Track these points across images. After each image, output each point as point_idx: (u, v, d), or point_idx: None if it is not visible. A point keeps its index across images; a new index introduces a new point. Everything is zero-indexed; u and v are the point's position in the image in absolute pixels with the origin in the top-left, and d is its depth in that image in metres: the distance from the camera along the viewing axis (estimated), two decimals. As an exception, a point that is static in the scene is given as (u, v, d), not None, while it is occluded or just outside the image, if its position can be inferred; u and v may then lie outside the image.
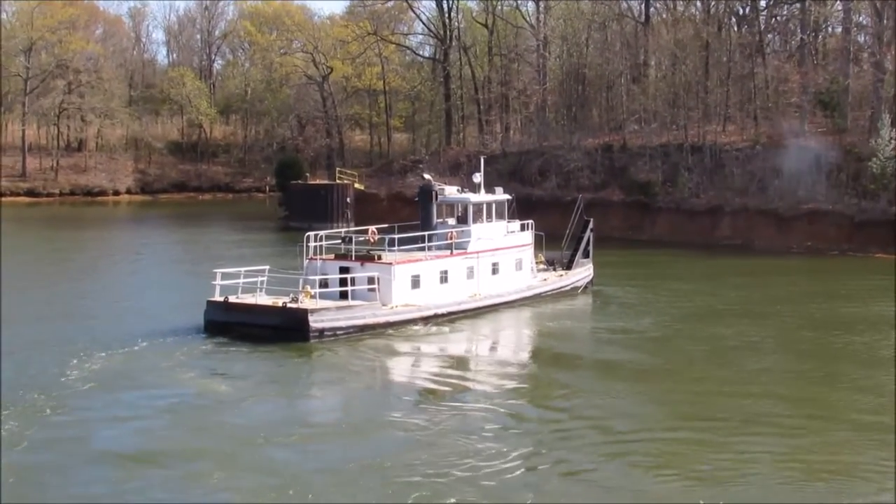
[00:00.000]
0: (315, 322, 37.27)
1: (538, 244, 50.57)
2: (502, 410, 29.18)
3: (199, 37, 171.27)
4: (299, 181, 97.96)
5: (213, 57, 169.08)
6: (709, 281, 57.36)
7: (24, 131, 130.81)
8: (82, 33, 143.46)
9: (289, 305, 37.89)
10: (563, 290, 49.90)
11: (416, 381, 33.72)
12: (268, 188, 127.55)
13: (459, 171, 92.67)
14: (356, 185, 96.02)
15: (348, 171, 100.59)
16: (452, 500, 21.77)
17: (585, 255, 52.41)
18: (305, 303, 38.11)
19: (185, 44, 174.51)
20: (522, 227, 48.67)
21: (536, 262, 50.96)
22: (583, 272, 51.78)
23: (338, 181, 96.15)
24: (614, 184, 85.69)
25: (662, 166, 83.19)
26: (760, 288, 54.41)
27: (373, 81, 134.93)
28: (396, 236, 43.04)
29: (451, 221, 46.24)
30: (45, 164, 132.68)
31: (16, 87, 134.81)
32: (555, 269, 51.28)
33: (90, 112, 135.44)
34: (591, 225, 52.95)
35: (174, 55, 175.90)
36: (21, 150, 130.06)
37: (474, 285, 44.67)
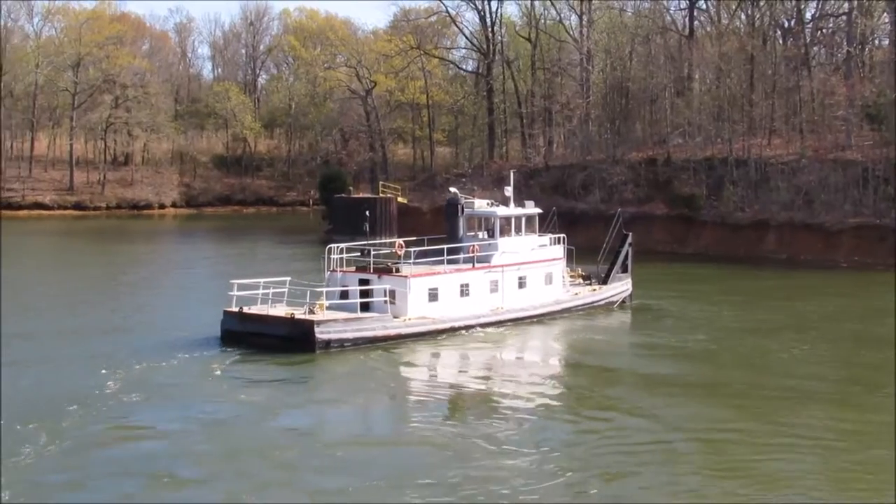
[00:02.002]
0: (321, 333, 37.41)
1: (570, 258, 49.84)
2: (511, 423, 28.91)
3: (243, 51, 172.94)
4: (343, 195, 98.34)
5: (257, 71, 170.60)
6: (753, 295, 56.43)
7: (71, 145, 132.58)
8: (129, 48, 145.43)
9: (297, 316, 38.07)
10: (596, 304, 49.11)
11: (421, 394, 33.28)
12: (311, 202, 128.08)
13: (502, 185, 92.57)
14: (399, 199, 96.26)
15: (391, 185, 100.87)
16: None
17: (624, 269, 51.52)
18: (320, 314, 38.36)
19: (229, 59, 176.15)
20: (555, 241, 48.09)
21: (573, 277, 50.48)
22: (620, 287, 50.85)
23: (381, 195, 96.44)
24: (658, 197, 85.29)
25: (707, 180, 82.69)
26: (806, 303, 53.69)
27: (416, 95, 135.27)
28: (415, 249, 43.11)
29: (483, 235, 45.99)
30: (91, 177, 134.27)
31: (64, 102, 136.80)
32: (591, 284, 50.62)
33: (136, 126, 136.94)
34: (629, 239, 51.99)
35: (219, 70, 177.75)
36: (69, 164, 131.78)
37: (498, 299, 44.21)
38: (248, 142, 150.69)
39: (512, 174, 51.43)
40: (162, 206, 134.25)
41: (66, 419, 28.00)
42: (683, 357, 38.85)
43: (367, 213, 50.89)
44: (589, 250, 52.70)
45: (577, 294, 48.72)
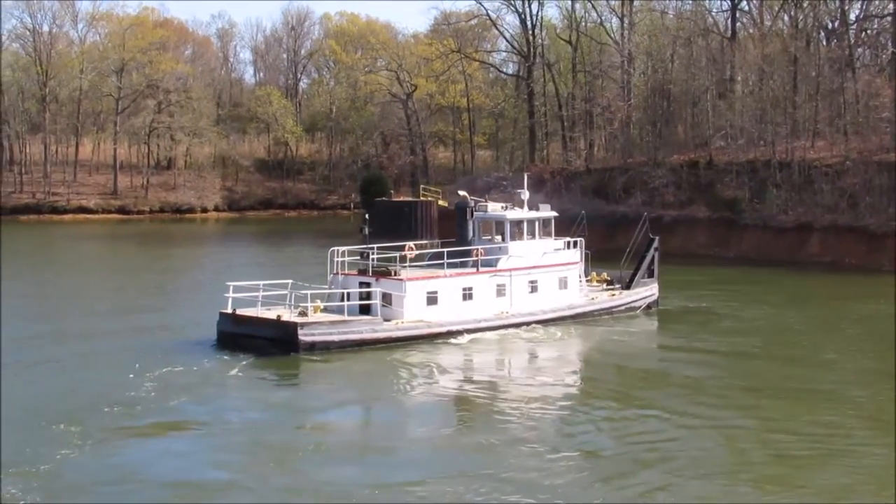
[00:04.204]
0: (304, 336, 37.47)
1: (587, 262, 48.88)
2: (499, 427, 28.78)
3: (285, 56, 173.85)
4: (384, 198, 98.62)
5: (298, 76, 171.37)
6: (793, 301, 55.44)
7: (115, 150, 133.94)
8: (172, 54, 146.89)
9: (282, 318, 38.16)
10: (615, 310, 47.94)
11: (412, 398, 32.94)
12: (352, 205, 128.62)
13: (543, 188, 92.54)
14: (440, 202, 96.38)
15: (432, 188, 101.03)
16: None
17: (650, 274, 50.23)
18: (313, 316, 38.62)
19: (271, 63, 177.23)
20: (568, 245, 46.82)
21: (599, 282, 49.87)
22: (644, 292, 49.54)
23: (422, 198, 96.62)
24: (700, 200, 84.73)
25: (749, 183, 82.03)
26: (850, 308, 52.53)
27: (456, 99, 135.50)
28: (431, 251, 43.15)
29: (499, 238, 45.25)
30: (135, 181, 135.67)
31: (108, 107, 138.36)
32: (612, 289, 49.44)
33: (179, 131, 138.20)
34: (655, 244, 50.74)
35: (261, 74, 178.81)
36: (113, 169, 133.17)
37: (505, 303, 43.54)
38: (290, 146, 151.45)
39: (526, 177, 50.24)
40: (204, 210, 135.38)
41: (85, 423, 28.11)
42: (701, 363, 38.04)
43: (367, 216, 51.52)
44: (630, 254, 52.10)
45: (593, 299, 47.64)
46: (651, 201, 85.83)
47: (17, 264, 72.38)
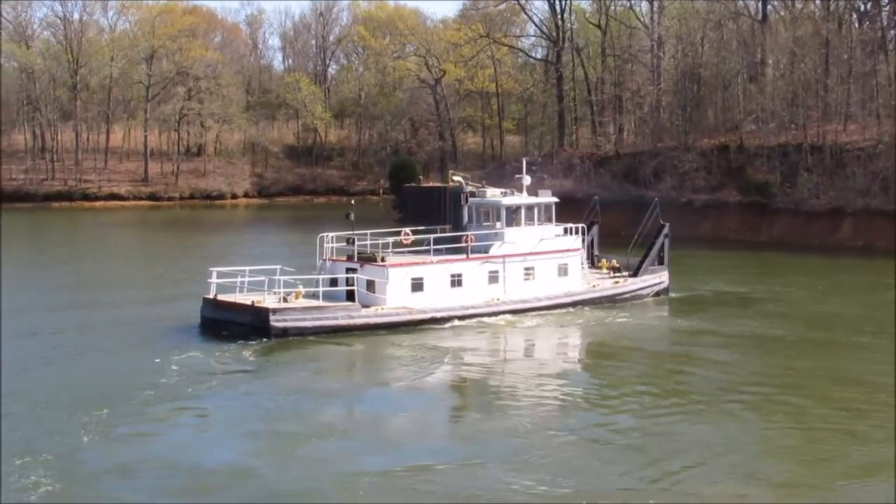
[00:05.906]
0: (276, 321, 37.59)
1: (592, 249, 48.51)
2: (455, 421, 28.80)
3: (313, 42, 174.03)
4: (413, 184, 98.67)
5: (327, 62, 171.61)
6: (823, 287, 54.35)
7: (146, 137, 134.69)
8: (201, 41, 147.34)
9: (256, 304, 38.29)
10: (619, 297, 47.09)
11: (364, 387, 32.73)
12: (381, 191, 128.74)
13: (572, 174, 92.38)
14: (469, 188, 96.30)
15: (461, 174, 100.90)
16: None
17: (660, 261, 49.23)
18: (296, 302, 38.89)
19: (300, 49, 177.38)
20: (570, 231, 46.15)
21: (607, 268, 49.24)
22: (651, 279, 48.57)
23: (451, 184, 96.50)
24: (731, 185, 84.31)
25: (781, 167, 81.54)
26: (881, 293, 51.79)
27: (485, 84, 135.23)
28: (433, 237, 42.75)
29: (499, 224, 44.67)
30: (165, 168, 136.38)
31: (138, 94, 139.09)
32: (619, 276, 48.64)
33: (209, 118, 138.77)
34: (665, 230, 49.61)
35: (290, 61, 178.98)
36: (143, 156, 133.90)
37: (498, 290, 43.01)
38: (319, 132, 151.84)
39: (524, 162, 49.88)
40: (234, 197, 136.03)
41: (103, 410, 28.20)
42: (703, 347, 37.44)
43: (353, 202, 52.17)
44: (639, 240, 51.23)
45: (595, 286, 46.77)
46: (681, 186, 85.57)
47: (52, 252, 72.98)
